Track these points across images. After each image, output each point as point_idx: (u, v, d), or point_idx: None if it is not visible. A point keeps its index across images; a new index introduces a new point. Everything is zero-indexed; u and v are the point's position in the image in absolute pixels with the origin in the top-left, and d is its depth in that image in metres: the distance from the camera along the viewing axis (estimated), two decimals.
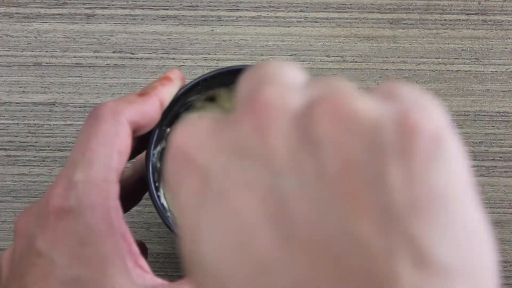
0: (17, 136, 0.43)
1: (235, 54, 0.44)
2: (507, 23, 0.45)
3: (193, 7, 0.45)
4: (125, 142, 0.27)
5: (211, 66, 0.44)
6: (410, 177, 0.14)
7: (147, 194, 0.33)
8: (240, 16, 0.45)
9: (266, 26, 0.45)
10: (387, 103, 0.16)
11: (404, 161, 0.14)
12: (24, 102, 0.44)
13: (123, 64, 0.44)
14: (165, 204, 0.33)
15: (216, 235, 0.15)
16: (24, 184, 0.42)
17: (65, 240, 0.25)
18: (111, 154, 0.26)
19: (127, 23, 0.45)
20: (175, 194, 0.17)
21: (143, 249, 0.31)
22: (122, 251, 0.25)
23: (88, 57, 0.44)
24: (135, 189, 0.33)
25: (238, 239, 0.15)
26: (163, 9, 0.45)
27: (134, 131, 0.28)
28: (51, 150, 0.43)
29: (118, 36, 0.45)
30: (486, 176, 0.43)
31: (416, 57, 0.44)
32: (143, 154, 0.32)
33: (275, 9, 0.45)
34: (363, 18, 0.45)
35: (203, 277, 0.16)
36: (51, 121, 0.43)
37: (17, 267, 0.26)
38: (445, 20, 0.45)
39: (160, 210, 0.31)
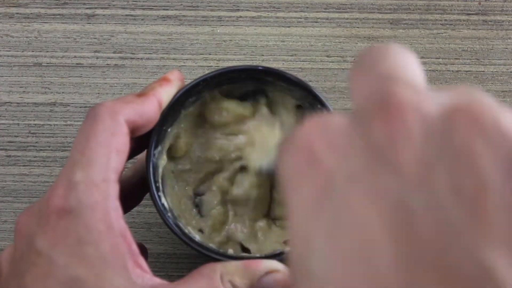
0: (17, 136, 0.43)
1: (235, 54, 0.44)
2: (507, 23, 0.45)
3: (194, 7, 0.45)
4: (123, 142, 0.27)
5: (211, 66, 0.44)
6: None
7: (147, 194, 0.33)
8: (241, 16, 0.45)
9: (267, 26, 0.45)
10: None
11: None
12: (25, 102, 0.44)
13: (124, 64, 0.44)
14: (165, 204, 0.33)
15: (332, 245, 0.14)
16: (24, 184, 0.42)
17: (65, 240, 0.25)
18: (110, 153, 0.26)
19: (128, 23, 0.45)
20: (290, 192, 0.16)
21: (143, 251, 0.31)
22: (121, 251, 0.25)
23: (88, 57, 0.44)
24: (136, 189, 0.33)
25: (356, 253, 0.14)
26: (164, 9, 0.45)
27: (132, 131, 0.29)
28: (51, 150, 0.43)
29: (119, 36, 0.45)
30: None
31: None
32: (144, 154, 0.32)
33: (275, 9, 0.45)
34: (363, 18, 0.45)
35: (309, 286, 0.15)
36: (52, 121, 0.43)
37: (17, 266, 0.26)
38: (445, 20, 0.45)
39: (160, 210, 0.31)
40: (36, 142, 0.43)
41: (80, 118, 0.43)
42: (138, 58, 0.44)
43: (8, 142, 0.43)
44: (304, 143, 0.16)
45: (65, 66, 0.44)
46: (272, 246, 0.35)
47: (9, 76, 0.44)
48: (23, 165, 0.43)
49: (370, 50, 0.17)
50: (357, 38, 0.45)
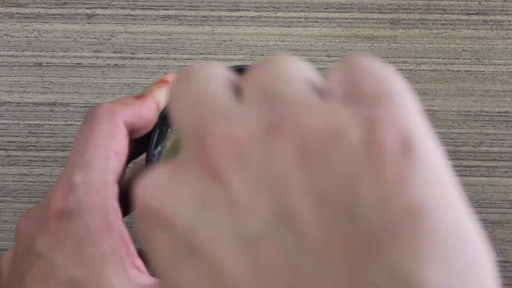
0: (17, 136, 0.43)
1: (235, 54, 0.44)
2: (507, 23, 0.45)
3: (194, 7, 0.45)
4: (122, 143, 0.27)
5: None
6: (383, 197, 0.13)
7: None
8: (241, 16, 0.45)
9: (267, 26, 0.45)
10: (345, 103, 0.15)
11: (374, 182, 0.13)
12: (25, 102, 0.44)
13: (124, 64, 0.44)
14: None
15: None
16: (24, 184, 0.42)
17: (64, 241, 0.25)
18: (109, 155, 0.27)
19: (128, 23, 0.45)
20: (149, 250, 0.16)
21: (141, 254, 0.31)
22: (120, 252, 0.25)
23: (88, 57, 0.44)
24: None
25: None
26: (164, 9, 0.45)
27: (131, 133, 0.29)
28: (51, 150, 0.43)
29: (119, 36, 0.45)
30: (487, 176, 0.43)
31: (416, 57, 0.44)
32: (144, 156, 0.32)
33: (275, 9, 0.45)
34: (363, 18, 0.45)
35: None
36: (52, 121, 0.43)
37: (18, 268, 0.26)
38: (445, 20, 0.45)
39: None
40: (36, 142, 0.43)
41: (80, 118, 0.43)
42: (138, 58, 0.44)
43: (8, 142, 0.43)
44: (141, 202, 0.16)
45: (65, 66, 0.44)
46: None
47: (9, 76, 0.44)
48: (23, 165, 0.43)
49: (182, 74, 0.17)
50: (357, 38, 0.45)
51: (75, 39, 0.45)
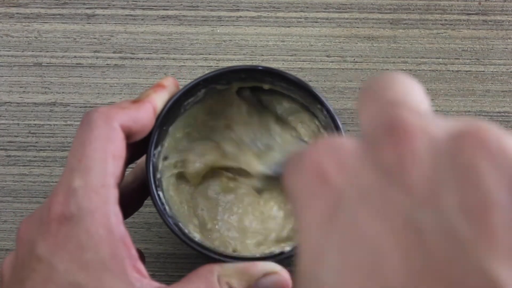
0: (17, 136, 0.43)
1: (235, 54, 0.44)
2: (507, 23, 0.45)
3: (194, 7, 0.45)
4: (119, 147, 0.28)
5: (211, 66, 0.44)
6: None
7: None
8: (241, 16, 0.45)
9: (267, 26, 0.45)
10: None
11: None
12: (25, 102, 0.44)
13: (124, 64, 0.44)
14: (165, 204, 0.33)
15: (343, 259, 0.15)
16: (24, 184, 0.43)
17: (65, 246, 0.25)
18: (107, 159, 0.27)
19: (128, 23, 0.45)
20: (301, 209, 0.16)
21: (141, 256, 0.31)
22: (121, 255, 0.25)
23: (88, 57, 0.44)
24: (136, 194, 0.33)
25: (367, 267, 0.15)
26: (164, 9, 0.45)
27: (127, 137, 0.29)
28: (51, 150, 0.43)
29: (119, 36, 0.45)
30: None
31: (416, 57, 0.44)
32: (143, 159, 0.32)
33: (275, 9, 0.45)
34: (363, 18, 0.45)
35: None
36: (52, 121, 0.43)
37: (18, 273, 0.26)
38: (445, 20, 0.45)
39: (160, 210, 0.31)
40: (36, 142, 0.43)
41: (80, 118, 0.43)
42: (138, 58, 0.44)
43: (8, 142, 0.43)
44: (314, 162, 0.17)
45: (65, 66, 0.44)
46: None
47: (9, 76, 0.44)
48: (23, 165, 0.43)
49: (377, 78, 0.18)
50: (357, 38, 0.45)
51: (75, 39, 0.45)
